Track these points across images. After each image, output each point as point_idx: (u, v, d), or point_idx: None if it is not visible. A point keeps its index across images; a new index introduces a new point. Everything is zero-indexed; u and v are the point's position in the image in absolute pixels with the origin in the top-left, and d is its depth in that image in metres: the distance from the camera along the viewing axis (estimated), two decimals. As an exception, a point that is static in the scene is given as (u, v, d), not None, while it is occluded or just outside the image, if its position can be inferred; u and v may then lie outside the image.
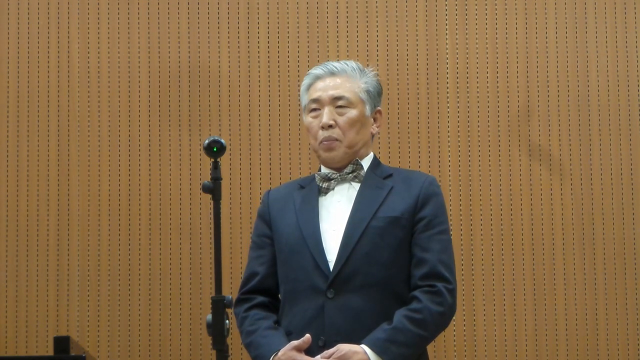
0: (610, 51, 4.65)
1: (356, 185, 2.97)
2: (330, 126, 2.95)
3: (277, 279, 2.97)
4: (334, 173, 2.98)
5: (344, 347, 2.75)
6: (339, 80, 3.00)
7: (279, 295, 2.98)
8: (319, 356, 2.75)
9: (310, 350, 2.78)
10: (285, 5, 4.63)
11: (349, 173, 2.97)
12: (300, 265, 2.88)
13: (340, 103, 2.97)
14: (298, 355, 2.76)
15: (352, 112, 2.98)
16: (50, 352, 3.94)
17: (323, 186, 2.97)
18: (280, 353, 2.79)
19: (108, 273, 4.48)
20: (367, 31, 4.63)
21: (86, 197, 4.52)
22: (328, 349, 2.77)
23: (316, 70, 3.05)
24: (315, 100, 2.99)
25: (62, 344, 3.67)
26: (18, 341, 4.45)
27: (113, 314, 4.47)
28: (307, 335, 2.77)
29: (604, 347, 4.51)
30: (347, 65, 3.03)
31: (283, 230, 2.95)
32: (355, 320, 2.80)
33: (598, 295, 4.53)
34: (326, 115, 2.96)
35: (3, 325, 4.46)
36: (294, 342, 2.77)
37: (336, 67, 3.03)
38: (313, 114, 3.00)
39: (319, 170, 3.02)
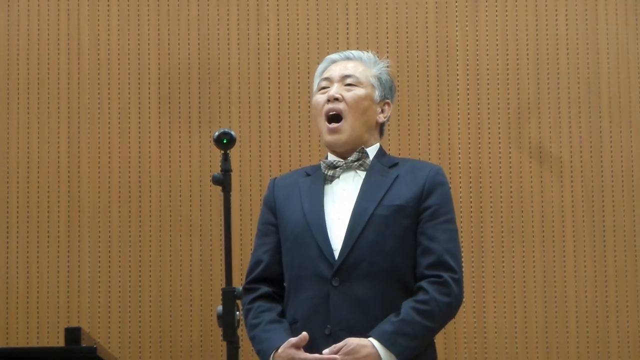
0: (620, 42, 4.63)
1: (362, 174, 2.97)
2: (337, 99, 2.96)
3: (282, 267, 2.97)
4: (339, 161, 2.98)
5: (352, 341, 2.74)
6: (352, 63, 3.04)
7: (284, 283, 2.99)
8: (327, 350, 2.75)
9: (316, 340, 2.79)
10: (295, -3, 4.63)
11: (355, 161, 2.97)
12: (306, 254, 2.88)
13: (349, 81, 3.00)
14: (296, 352, 2.76)
15: (360, 90, 3.00)
16: (61, 343, 3.93)
17: (328, 174, 2.97)
18: (280, 350, 2.79)
19: (119, 264, 4.50)
20: (377, 21, 4.62)
21: (96, 190, 4.52)
22: (334, 337, 2.78)
23: (333, 56, 3.10)
24: (326, 79, 3.02)
25: (73, 335, 3.65)
26: (29, 332, 4.47)
27: (124, 305, 4.48)
28: (304, 333, 2.77)
29: (615, 338, 4.49)
30: (364, 54, 3.09)
31: (289, 218, 2.95)
32: (361, 309, 2.81)
33: (608, 285, 4.52)
34: (334, 89, 2.98)
35: (14, 317, 4.47)
36: (292, 340, 2.77)
37: (353, 54, 3.09)
38: (322, 91, 3.02)
39: (326, 157, 3.02)
